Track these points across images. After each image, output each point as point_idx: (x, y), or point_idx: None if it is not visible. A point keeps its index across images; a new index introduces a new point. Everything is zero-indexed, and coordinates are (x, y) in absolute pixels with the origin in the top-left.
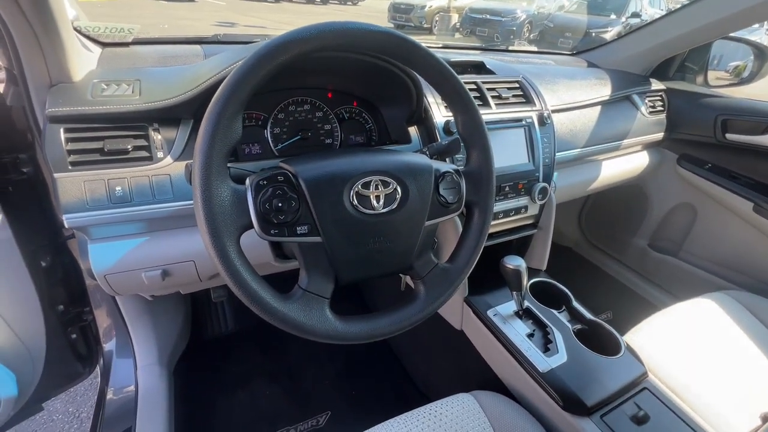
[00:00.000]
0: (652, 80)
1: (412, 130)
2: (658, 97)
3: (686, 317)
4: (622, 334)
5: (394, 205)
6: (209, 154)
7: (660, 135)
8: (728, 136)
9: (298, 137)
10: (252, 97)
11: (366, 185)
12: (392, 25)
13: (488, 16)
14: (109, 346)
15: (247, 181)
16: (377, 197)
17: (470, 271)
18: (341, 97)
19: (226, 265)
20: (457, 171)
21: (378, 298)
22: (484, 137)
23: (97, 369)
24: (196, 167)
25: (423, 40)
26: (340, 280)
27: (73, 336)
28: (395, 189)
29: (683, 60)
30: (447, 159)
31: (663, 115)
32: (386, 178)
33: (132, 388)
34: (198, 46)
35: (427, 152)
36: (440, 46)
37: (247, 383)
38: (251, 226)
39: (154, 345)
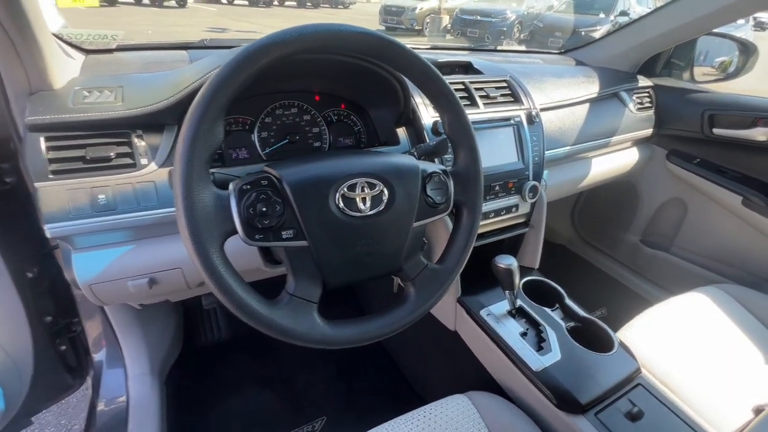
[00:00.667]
0: (639, 77)
1: (401, 132)
2: (646, 94)
3: (678, 312)
4: (616, 330)
5: (381, 207)
6: (190, 159)
7: (649, 131)
8: (715, 131)
9: (286, 141)
10: (239, 101)
11: (352, 188)
12: (383, 28)
13: (479, 17)
14: (99, 356)
15: (231, 186)
16: (363, 199)
17: (460, 272)
18: (329, 99)
19: (211, 272)
20: (444, 171)
21: (373, 299)
22: (471, 137)
23: (88, 380)
24: (177, 173)
25: (413, 42)
26: (327, 284)
27: (62, 347)
28: (382, 191)
29: (669, 56)
30: (436, 159)
31: (651, 112)
32: (372, 180)
33: (123, 398)
34: (184, 52)
35: (415, 153)
36: (428, 47)
37: (241, 390)
38: (235, 232)
39: (144, 354)
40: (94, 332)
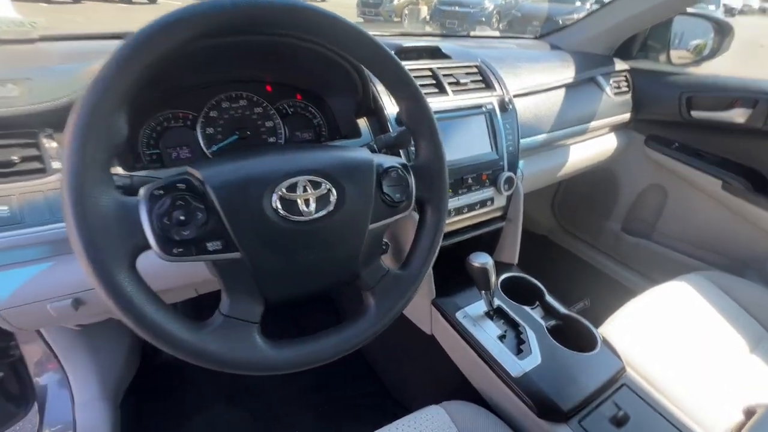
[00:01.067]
0: (615, 60)
1: (363, 123)
2: (623, 78)
3: (662, 303)
4: (600, 322)
5: (330, 208)
6: (80, 159)
7: (627, 116)
8: (693, 113)
9: (235, 137)
10: (176, 92)
11: (291, 188)
12: (361, 21)
13: (457, 8)
14: (44, 380)
15: (141, 192)
16: (306, 201)
17: (425, 276)
18: (282, 90)
19: (116, 296)
20: (404, 165)
21: (352, 304)
22: (432, 125)
23: (35, 408)
24: (64, 177)
25: (381, 30)
26: (269, 300)
27: (0, 374)
28: (329, 190)
29: (645, 39)
30: (401, 153)
31: (628, 96)
32: (316, 178)
33: (72, 427)
34: (119, 42)
35: (375, 146)
36: (398, 33)
37: (207, 408)
38: (148, 246)
39: (93, 377)
40: (35, 356)
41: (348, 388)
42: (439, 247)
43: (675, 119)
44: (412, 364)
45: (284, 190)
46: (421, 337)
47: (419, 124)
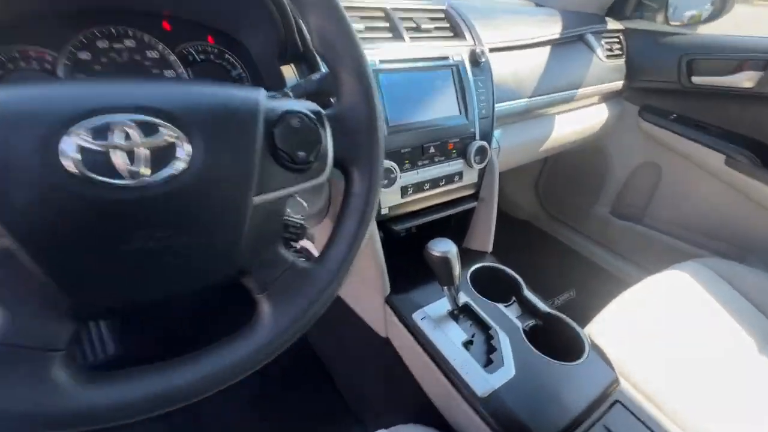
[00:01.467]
0: (608, 20)
1: (289, 71)
2: (616, 39)
3: (657, 295)
4: (587, 318)
5: (181, 167)
6: None
7: (619, 84)
8: (694, 79)
9: None
10: (37, 22)
11: (100, 133)
12: None
13: None
14: None
15: None
16: (130, 154)
17: (347, 271)
18: (186, 28)
19: None
20: (315, 112)
21: None
22: (357, 54)
23: None
24: None
25: None
26: (82, 314)
27: None
28: (176, 140)
29: None
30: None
31: (622, 61)
32: (150, 119)
33: None
34: None
35: (291, 94)
36: None
37: (130, 426)
38: None
39: None
40: None
41: (300, 397)
42: (368, 230)
43: (673, 87)
44: (371, 373)
45: (87, 136)
46: (376, 339)
47: (337, 48)
